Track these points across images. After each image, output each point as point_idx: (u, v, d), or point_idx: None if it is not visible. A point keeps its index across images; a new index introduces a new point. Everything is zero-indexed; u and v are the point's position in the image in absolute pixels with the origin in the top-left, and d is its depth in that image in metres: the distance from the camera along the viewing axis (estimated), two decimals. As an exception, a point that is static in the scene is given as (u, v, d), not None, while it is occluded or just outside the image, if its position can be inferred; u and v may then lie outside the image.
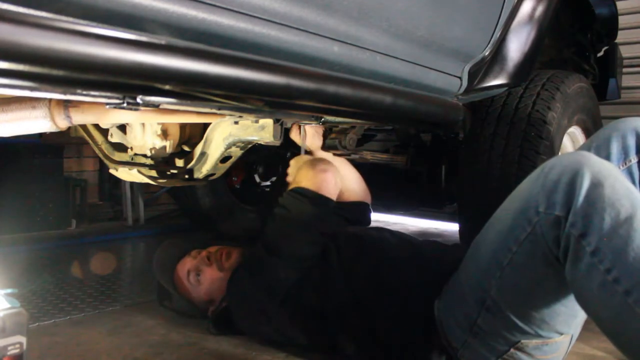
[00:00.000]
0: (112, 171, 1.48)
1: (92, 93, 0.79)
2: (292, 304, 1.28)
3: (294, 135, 1.69)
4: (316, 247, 1.33)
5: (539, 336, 1.01)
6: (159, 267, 1.52)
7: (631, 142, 1.23)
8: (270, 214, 1.38)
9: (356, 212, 1.67)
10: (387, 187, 2.40)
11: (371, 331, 1.22)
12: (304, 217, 1.32)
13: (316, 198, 1.35)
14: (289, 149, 2.33)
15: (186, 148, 1.41)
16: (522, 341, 1.02)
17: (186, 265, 1.45)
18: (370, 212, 1.74)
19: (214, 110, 1.07)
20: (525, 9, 1.61)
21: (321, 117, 1.28)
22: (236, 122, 1.27)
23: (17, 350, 0.93)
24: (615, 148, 1.23)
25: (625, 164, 1.23)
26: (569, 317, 1.00)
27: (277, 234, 1.34)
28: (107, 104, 0.86)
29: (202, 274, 1.42)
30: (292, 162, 1.61)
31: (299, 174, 1.41)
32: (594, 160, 0.90)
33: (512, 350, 1.03)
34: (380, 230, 1.52)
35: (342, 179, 1.66)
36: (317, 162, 1.45)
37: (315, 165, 1.42)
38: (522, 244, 0.94)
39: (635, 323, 0.82)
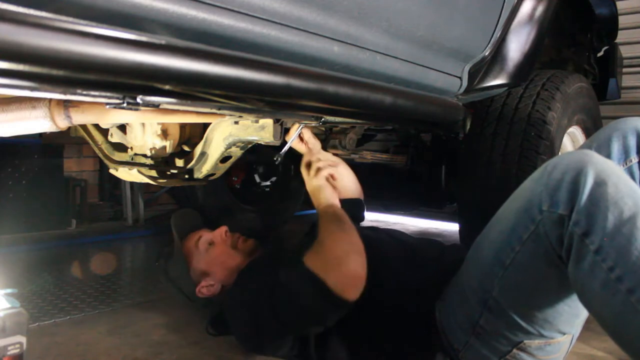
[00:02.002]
0: (112, 171, 1.48)
1: (92, 93, 0.79)
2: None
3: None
4: None
5: (542, 336, 1.01)
6: (180, 219, 1.51)
7: (632, 142, 1.23)
8: (287, 283, 1.15)
9: (352, 209, 1.65)
10: (387, 187, 2.40)
11: (371, 335, 1.21)
12: (322, 316, 1.14)
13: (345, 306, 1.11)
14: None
15: (186, 148, 1.40)
16: (525, 341, 1.02)
17: (203, 233, 1.45)
18: (364, 208, 1.73)
19: (214, 110, 1.07)
20: (525, 9, 1.61)
21: (321, 117, 1.27)
22: (236, 122, 1.26)
23: (17, 350, 0.93)
24: (616, 148, 1.23)
25: (626, 163, 1.23)
26: (572, 316, 1.00)
27: (290, 314, 1.14)
28: (107, 104, 0.85)
29: (213, 246, 1.42)
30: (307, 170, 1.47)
31: (325, 227, 1.22)
32: (597, 159, 0.90)
33: (514, 350, 1.03)
34: (377, 230, 1.51)
35: (341, 181, 1.65)
36: (342, 219, 1.27)
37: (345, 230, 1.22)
38: (525, 243, 0.94)
39: (637, 321, 0.82)
